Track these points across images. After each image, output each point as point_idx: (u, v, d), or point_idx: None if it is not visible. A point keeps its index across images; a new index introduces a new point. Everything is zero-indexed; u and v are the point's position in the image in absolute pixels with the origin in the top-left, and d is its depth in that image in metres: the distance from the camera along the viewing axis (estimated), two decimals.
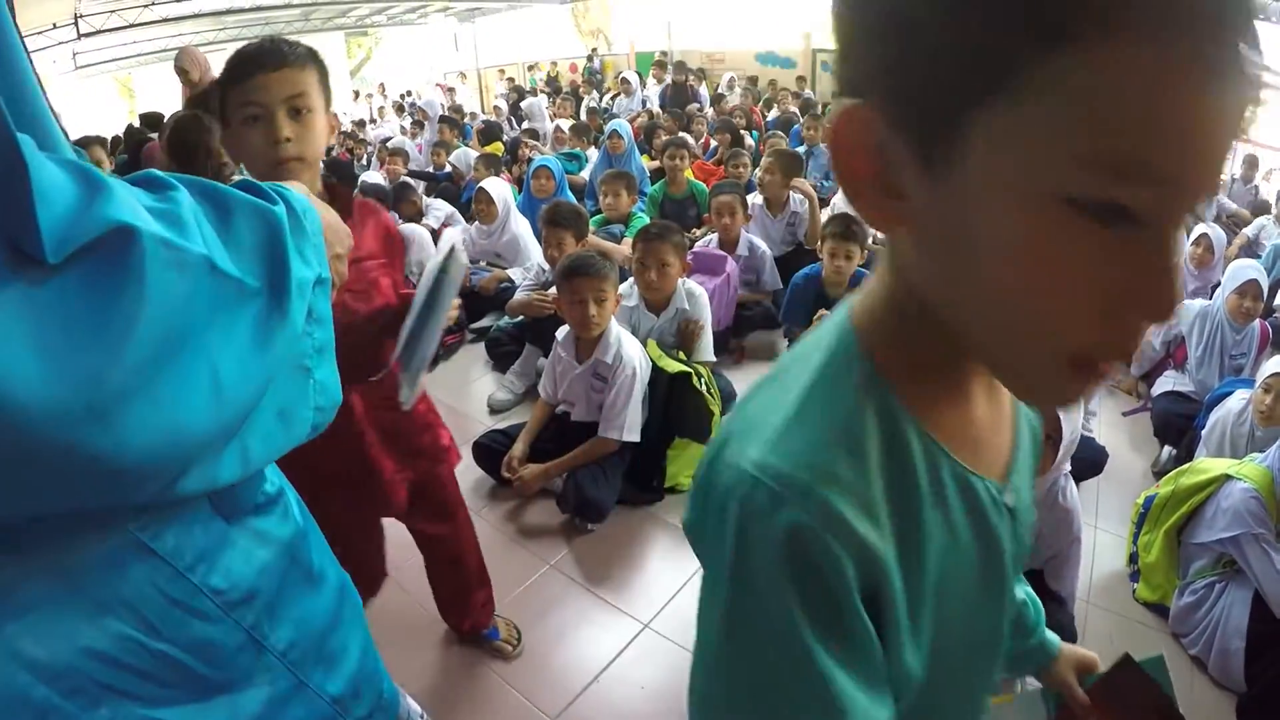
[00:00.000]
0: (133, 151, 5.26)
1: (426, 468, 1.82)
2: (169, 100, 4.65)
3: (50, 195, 0.44)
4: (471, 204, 4.56)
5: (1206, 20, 0.35)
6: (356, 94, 17.59)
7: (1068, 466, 1.99)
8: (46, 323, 0.44)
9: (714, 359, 3.23)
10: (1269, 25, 10.14)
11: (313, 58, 1.37)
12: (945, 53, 0.37)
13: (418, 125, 9.52)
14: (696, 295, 3.21)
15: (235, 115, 1.32)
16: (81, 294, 0.45)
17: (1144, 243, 0.37)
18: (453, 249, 1.43)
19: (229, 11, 14.42)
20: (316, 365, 0.69)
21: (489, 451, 2.84)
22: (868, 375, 0.49)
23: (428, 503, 1.87)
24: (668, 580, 2.42)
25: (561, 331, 2.87)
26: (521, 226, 4.48)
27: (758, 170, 5.13)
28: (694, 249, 4.09)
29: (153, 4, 12.45)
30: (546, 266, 3.65)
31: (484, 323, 4.27)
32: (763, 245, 4.19)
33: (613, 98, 10.90)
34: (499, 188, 4.38)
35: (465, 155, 6.80)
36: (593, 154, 6.70)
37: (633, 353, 2.72)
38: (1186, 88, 0.35)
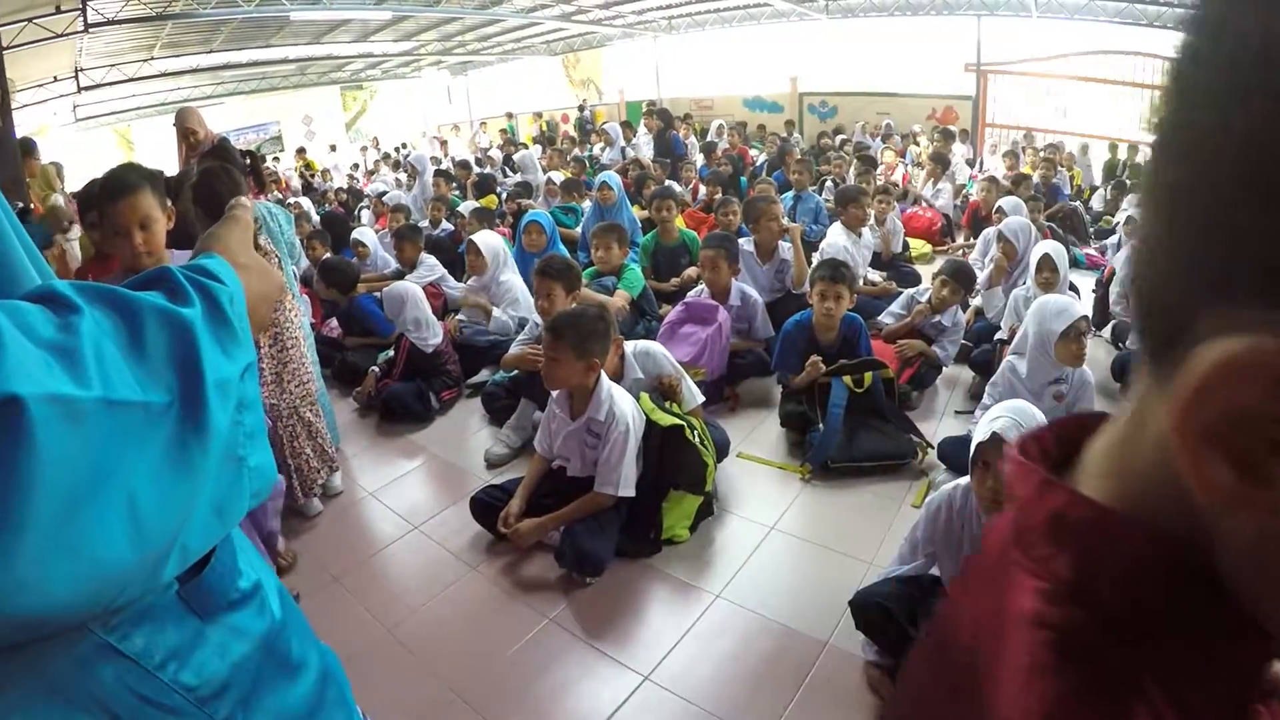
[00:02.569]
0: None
1: None
2: (167, 152, 4.74)
3: None
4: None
5: None
6: (334, 146, 17.86)
7: None
8: None
9: (702, 398, 3.26)
10: None
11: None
12: None
13: (411, 178, 9.66)
14: (652, 353, 3.24)
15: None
16: None
17: None
18: None
19: (226, 67, 14.68)
20: (250, 452, 0.66)
21: (485, 506, 2.87)
22: None
23: None
24: (668, 632, 2.44)
25: None
26: (514, 277, 4.59)
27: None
28: (687, 299, 4.19)
29: (152, 59, 12.69)
30: (540, 320, 3.71)
31: (480, 377, 4.32)
32: (754, 294, 4.26)
33: (600, 149, 11.09)
34: (489, 239, 4.47)
35: (469, 208, 6.94)
36: (586, 206, 6.82)
37: (625, 408, 2.76)
38: None
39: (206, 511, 0.61)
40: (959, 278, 4.12)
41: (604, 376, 2.77)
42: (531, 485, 2.88)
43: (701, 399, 3.25)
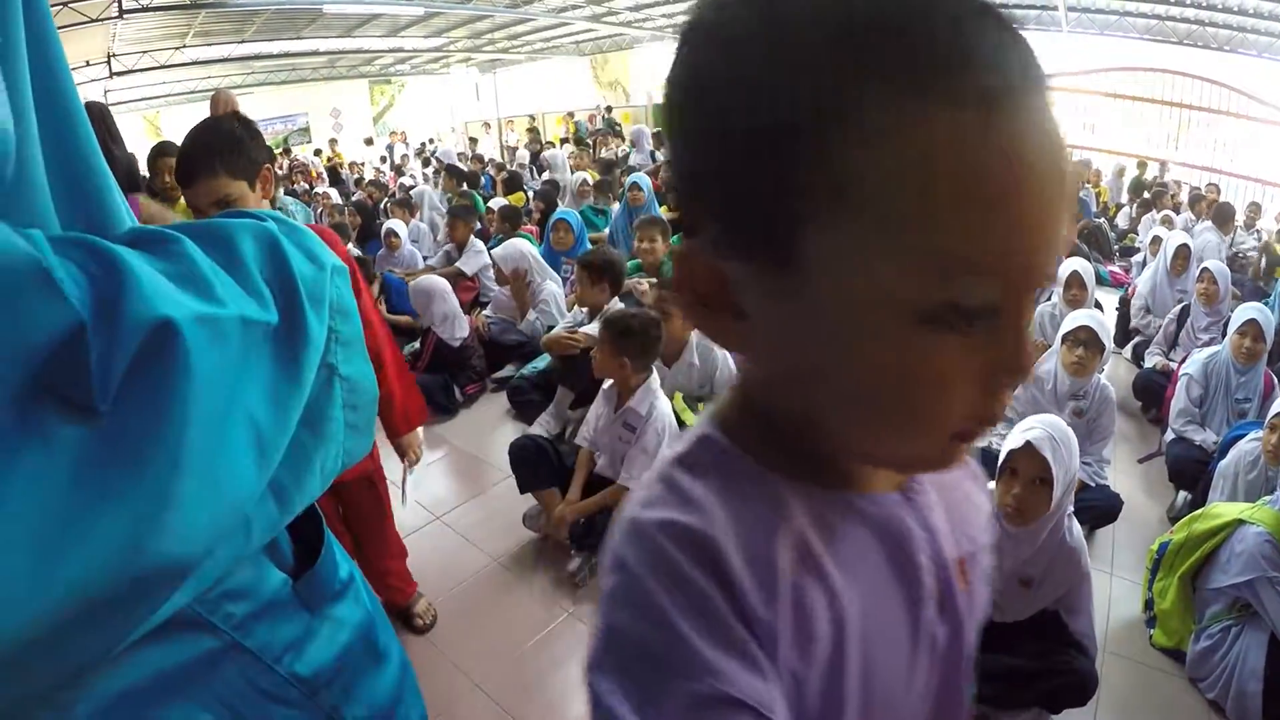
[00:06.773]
0: None
1: None
2: None
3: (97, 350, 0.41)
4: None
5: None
6: (370, 140, 17.95)
7: (1070, 506, 2.04)
8: (104, 463, 0.42)
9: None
10: (1260, 59, 10.22)
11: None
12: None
13: (438, 175, 9.72)
14: (716, 352, 3.29)
15: None
16: (137, 417, 0.43)
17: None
18: None
19: (257, 57, 14.82)
20: (342, 361, 0.64)
21: (528, 451, 2.91)
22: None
23: None
24: None
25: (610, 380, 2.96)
26: (550, 283, 4.61)
27: None
28: None
29: (184, 47, 12.81)
30: (585, 309, 3.82)
31: (504, 372, 4.36)
32: None
33: (625, 155, 11.09)
34: (510, 251, 4.48)
35: (496, 204, 6.97)
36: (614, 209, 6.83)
37: (664, 409, 2.78)
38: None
39: (299, 426, 0.58)
40: None
41: (654, 375, 2.82)
42: (584, 478, 2.86)
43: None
